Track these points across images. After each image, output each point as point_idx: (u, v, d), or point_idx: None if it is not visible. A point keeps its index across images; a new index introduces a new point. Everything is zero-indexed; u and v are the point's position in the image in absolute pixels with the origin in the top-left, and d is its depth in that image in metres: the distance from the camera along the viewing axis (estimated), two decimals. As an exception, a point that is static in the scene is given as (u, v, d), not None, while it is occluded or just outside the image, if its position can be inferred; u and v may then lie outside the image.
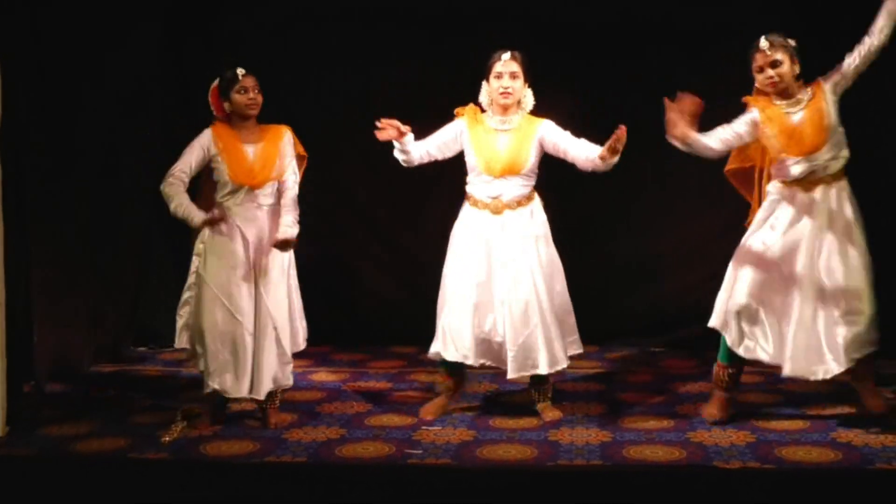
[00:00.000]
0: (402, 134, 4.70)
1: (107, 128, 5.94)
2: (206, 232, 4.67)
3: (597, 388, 5.43)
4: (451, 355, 4.76)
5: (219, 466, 4.33)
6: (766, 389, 5.19)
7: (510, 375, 4.72)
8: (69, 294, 5.74)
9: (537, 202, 4.87)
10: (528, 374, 4.75)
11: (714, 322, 4.65)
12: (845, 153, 4.49)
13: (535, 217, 4.83)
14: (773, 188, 4.58)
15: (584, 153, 4.70)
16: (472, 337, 4.72)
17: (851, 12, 5.79)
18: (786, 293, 4.49)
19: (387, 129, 4.68)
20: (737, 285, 4.56)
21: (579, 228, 6.35)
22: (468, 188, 4.85)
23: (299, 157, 4.83)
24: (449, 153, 4.87)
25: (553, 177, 6.24)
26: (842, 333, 4.42)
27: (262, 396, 4.69)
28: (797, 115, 4.45)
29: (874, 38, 4.34)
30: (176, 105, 6.28)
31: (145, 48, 6.14)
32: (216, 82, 4.75)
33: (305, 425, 4.77)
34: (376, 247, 6.60)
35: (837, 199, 4.47)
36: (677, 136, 4.46)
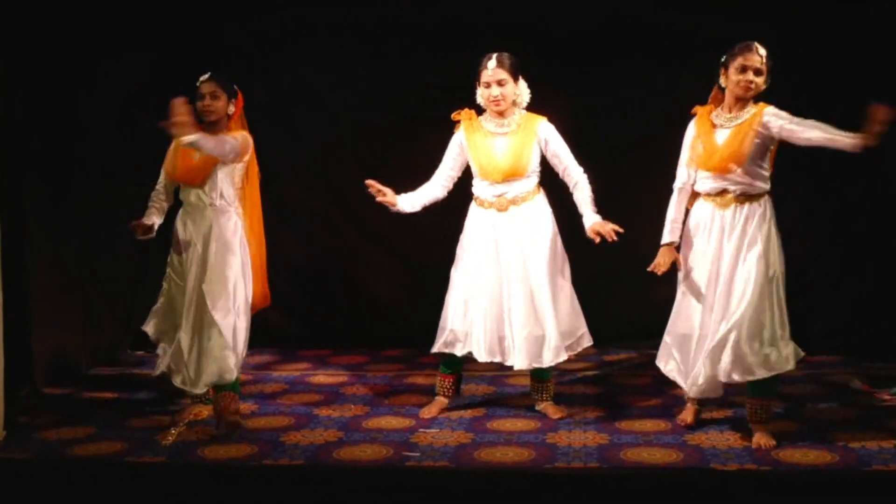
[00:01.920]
0: (391, 200, 4.84)
1: (104, 134, 5.95)
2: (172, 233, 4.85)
3: (594, 390, 5.43)
4: (459, 350, 4.80)
5: (216, 470, 4.33)
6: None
7: (518, 366, 4.73)
8: (67, 298, 5.74)
9: (542, 196, 4.91)
10: (534, 365, 4.75)
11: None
12: (760, 185, 4.44)
13: (542, 211, 4.87)
14: (696, 204, 4.63)
15: (578, 194, 4.90)
16: (483, 332, 4.76)
17: (840, 21, 5.86)
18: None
19: (374, 191, 4.80)
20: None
21: (578, 230, 6.35)
22: (473, 190, 4.89)
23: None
24: (464, 166, 4.93)
25: (553, 177, 6.27)
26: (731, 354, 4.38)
27: (199, 390, 4.72)
28: (724, 133, 4.45)
29: (814, 134, 4.28)
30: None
31: (143, 56, 6.15)
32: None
33: (303, 428, 4.77)
34: (374, 250, 6.60)
35: (749, 218, 4.43)
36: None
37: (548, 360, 4.74)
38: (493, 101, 4.73)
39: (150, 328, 4.93)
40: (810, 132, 4.30)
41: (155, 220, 4.88)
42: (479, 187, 4.86)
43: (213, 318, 4.65)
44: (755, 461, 4.20)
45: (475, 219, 4.88)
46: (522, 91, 4.82)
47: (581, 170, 4.89)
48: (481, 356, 4.78)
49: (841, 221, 6.08)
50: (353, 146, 6.34)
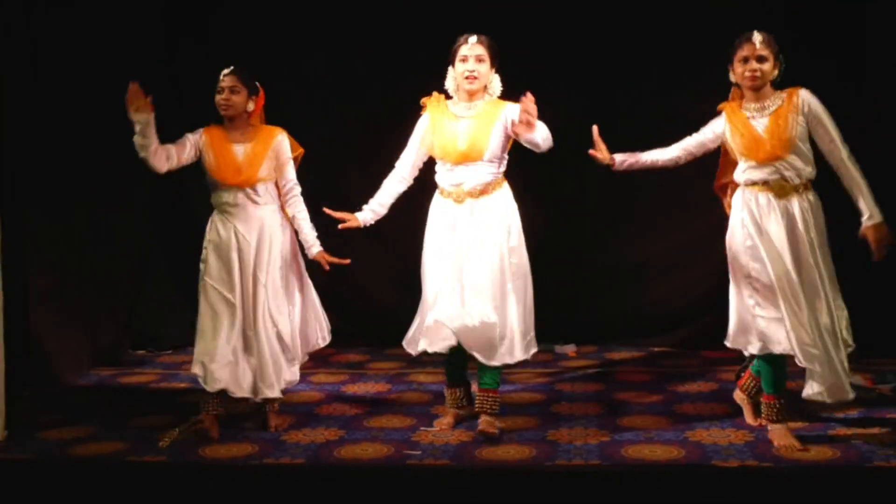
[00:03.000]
0: (356, 222, 4.83)
1: (102, 133, 5.94)
2: (207, 238, 4.74)
3: (595, 387, 5.42)
4: (436, 346, 4.61)
5: (217, 469, 4.33)
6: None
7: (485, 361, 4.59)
8: (67, 298, 5.74)
9: (505, 191, 4.71)
10: (491, 362, 4.59)
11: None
12: (809, 170, 4.39)
13: (501, 206, 4.66)
14: (738, 196, 4.52)
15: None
16: (448, 327, 4.57)
17: (840, 21, 5.86)
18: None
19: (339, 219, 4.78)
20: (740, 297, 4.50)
21: (578, 229, 6.36)
22: (436, 177, 4.75)
23: (295, 158, 4.83)
24: (427, 154, 4.78)
25: (553, 177, 6.27)
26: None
27: (259, 398, 4.68)
28: (761, 122, 4.40)
29: (844, 172, 4.37)
30: (171, 106, 6.28)
31: (140, 50, 6.15)
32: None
33: (304, 427, 4.76)
34: (374, 249, 6.59)
35: (801, 212, 4.39)
36: (600, 160, 4.58)
37: (498, 359, 4.58)
38: (468, 76, 4.56)
39: (207, 360, 4.63)
40: (842, 166, 4.36)
41: None
42: (439, 172, 4.70)
43: (275, 324, 4.68)
44: (756, 457, 4.19)
45: (435, 209, 4.73)
46: (495, 82, 4.68)
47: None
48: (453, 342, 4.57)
49: (841, 220, 6.07)
50: (351, 141, 6.33)
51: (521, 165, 6.25)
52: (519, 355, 4.62)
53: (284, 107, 6.31)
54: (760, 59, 4.35)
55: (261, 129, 4.78)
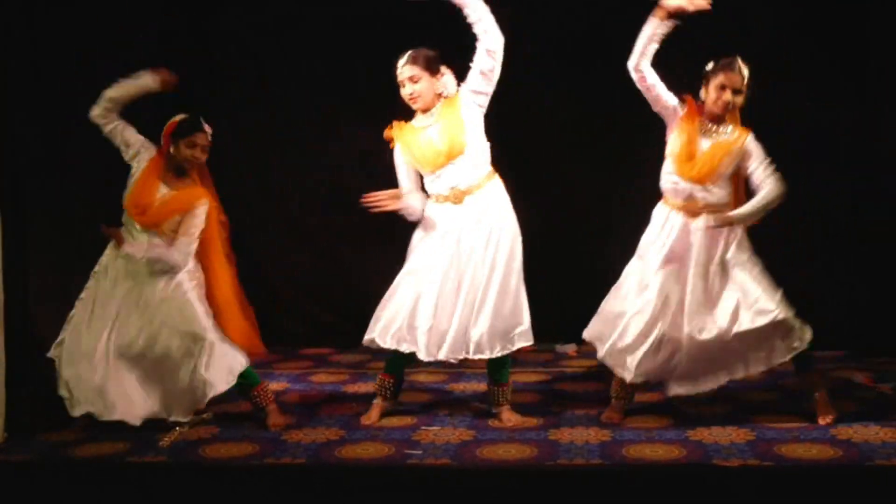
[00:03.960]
0: (398, 198, 4.69)
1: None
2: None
3: (596, 387, 5.42)
4: (403, 347, 4.68)
5: (218, 469, 4.33)
6: (765, 387, 5.19)
7: (441, 356, 4.62)
8: (68, 299, 5.72)
9: (495, 183, 4.74)
10: (460, 357, 4.64)
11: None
12: (725, 199, 4.53)
13: (497, 200, 4.71)
14: (658, 207, 4.69)
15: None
16: (427, 330, 4.62)
17: (841, 21, 5.85)
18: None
19: (380, 204, 4.64)
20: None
21: (579, 228, 6.35)
22: (427, 189, 4.77)
23: (221, 224, 4.81)
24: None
25: (553, 177, 6.28)
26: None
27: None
28: (706, 143, 4.49)
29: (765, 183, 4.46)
30: (171, 106, 6.28)
31: (139, 49, 6.13)
32: (177, 118, 4.76)
33: (305, 427, 4.76)
34: (374, 249, 6.58)
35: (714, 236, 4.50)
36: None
37: (477, 353, 4.61)
38: (410, 98, 4.65)
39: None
40: (765, 182, 4.47)
41: None
42: (431, 185, 4.73)
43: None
44: (758, 457, 4.19)
45: (430, 214, 4.73)
46: (447, 83, 4.69)
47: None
48: (423, 355, 4.65)
49: (842, 219, 6.08)
50: (349, 138, 6.33)
51: (521, 165, 6.28)
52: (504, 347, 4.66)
53: (284, 107, 6.34)
54: (736, 92, 4.42)
55: (192, 187, 4.75)
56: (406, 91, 4.66)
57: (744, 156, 4.48)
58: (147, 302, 4.64)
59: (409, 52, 4.68)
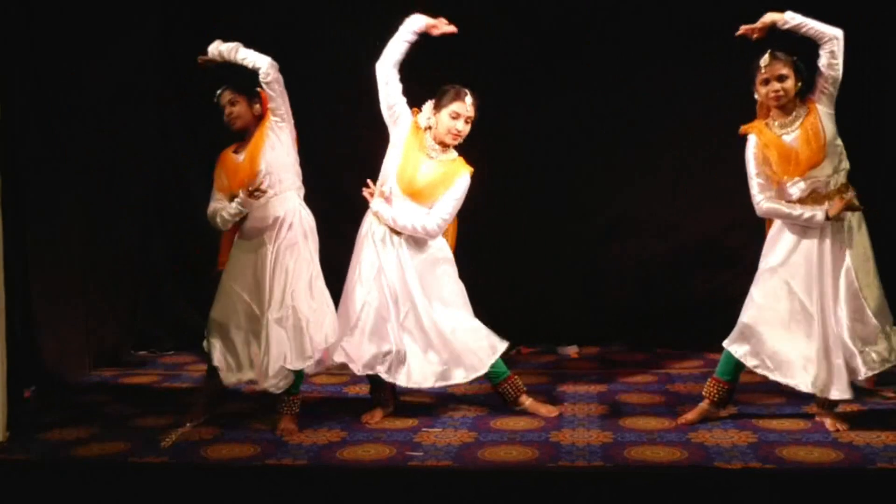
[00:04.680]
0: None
1: (105, 131, 5.95)
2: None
3: (597, 388, 5.42)
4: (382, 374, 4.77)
5: (219, 470, 4.33)
6: (767, 390, 5.17)
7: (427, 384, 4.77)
8: (69, 299, 5.74)
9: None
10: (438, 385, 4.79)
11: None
12: (845, 165, 4.50)
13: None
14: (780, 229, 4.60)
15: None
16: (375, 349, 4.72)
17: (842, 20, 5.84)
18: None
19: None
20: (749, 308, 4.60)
21: (579, 230, 6.36)
22: (383, 187, 4.80)
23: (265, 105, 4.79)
24: (390, 99, 4.74)
25: (554, 177, 6.27)
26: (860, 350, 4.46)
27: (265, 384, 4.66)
28: (791, 135, 4.47)
29: (830, 44, 4.39)
30: (171, 106, 6.30)
31: (140, 51, 6.15)
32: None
33: (306, 428, 4.76)
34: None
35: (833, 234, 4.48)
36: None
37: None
38: (455, 134, 4.68)
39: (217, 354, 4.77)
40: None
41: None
42: (376, 202, 4.78)
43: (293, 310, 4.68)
44: (759, 459, 4.19)
45: (369, 225, 4.83)
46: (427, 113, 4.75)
47: (439, 221, 4.73)
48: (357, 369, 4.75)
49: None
50: (351, 139, 6.33)
51: (523, 167, 6.30)
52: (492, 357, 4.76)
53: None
54: (781, 78, 4.42)
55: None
56: (458, 126, 4.66)
57: (824, 116, 4.44)
58: None
59: (472, 92, 4.70)
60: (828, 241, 4.48)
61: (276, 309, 4.64)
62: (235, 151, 4.79)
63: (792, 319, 4.53)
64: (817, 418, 4.62)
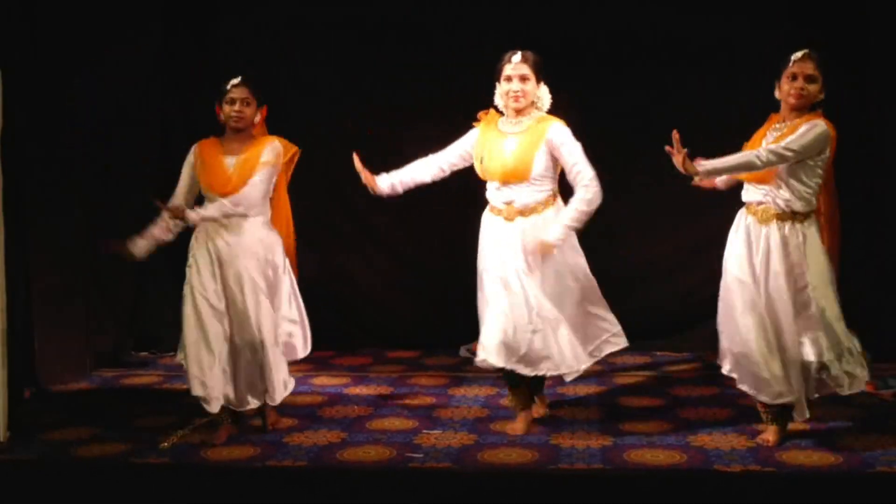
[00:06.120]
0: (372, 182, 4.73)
1: (104, 134, 5.95)
2: (193, 244, 4.65)
3: (597, 391, 5.42)
4: (495, 361, 4.53)
5: (220, 471, 4.33)
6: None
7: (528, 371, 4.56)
8: (69, 300, 5.74)
9: (556, 209, 4.64)
10: (540, 373, 4.56)
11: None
12: (801, 202, 4.28)
13: (550, 225, 4.58)
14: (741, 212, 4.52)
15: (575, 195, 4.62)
16: (500, 341, 4.51)
17: (849, 27, 5.85)
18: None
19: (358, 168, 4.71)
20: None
21: (581, 233, 6.34)
22: (486, 194, 4.70)
23: (288, 161, 4.74)
24: (466, 160, 4.72)
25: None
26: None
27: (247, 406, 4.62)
28: (770, 138, 4.34)
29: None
30: (173, 108, 6.30)
31: (142, 53, 6.15)
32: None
33: (306, 429, 4.76)
34: (377, 252, 6.59)
35: (784, 238, 4.32)
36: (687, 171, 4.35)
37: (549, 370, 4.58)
38: (513, 96, 4.52)
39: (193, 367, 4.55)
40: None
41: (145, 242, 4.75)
42: (489, 191, 4.67)
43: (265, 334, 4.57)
44: (759, 462, 4.19)
45: (485, 226, 4.70)
46: (543, 95, 4.62)
47: (590, 176, 4.59)
48: (502, 363, 4.52)
49: (843, 224, 6.07)
50: (351, 142, 6.31)
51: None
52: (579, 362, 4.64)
53: (288, 112, 6.31)
54: (810, 79, 4.25)
55: (256, 140, 4.65)
56: (513, 87, 4.51)
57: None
58: None
59: (521, 51, 4.55)
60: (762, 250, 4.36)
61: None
62: (223, 153, 4.62)
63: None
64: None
